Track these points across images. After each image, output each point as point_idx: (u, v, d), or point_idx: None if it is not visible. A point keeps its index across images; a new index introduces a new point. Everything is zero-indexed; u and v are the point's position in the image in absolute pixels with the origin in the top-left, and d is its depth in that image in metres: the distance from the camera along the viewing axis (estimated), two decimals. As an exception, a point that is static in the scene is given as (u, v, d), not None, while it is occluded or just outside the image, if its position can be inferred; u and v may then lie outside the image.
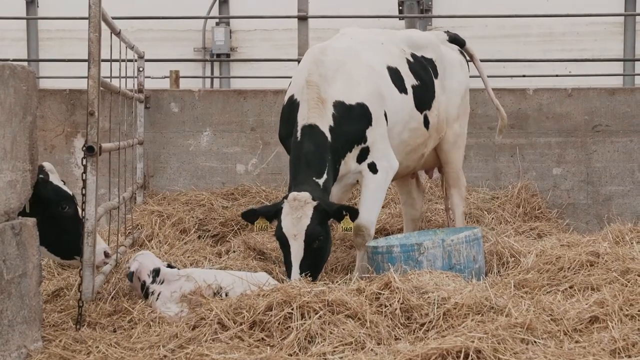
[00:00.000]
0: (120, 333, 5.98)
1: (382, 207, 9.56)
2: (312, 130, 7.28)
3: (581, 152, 10.44)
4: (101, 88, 6.26)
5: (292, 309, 5.82)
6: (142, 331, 5.94)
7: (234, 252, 8.31)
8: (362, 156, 7.54)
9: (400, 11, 14.95)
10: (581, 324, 5.94)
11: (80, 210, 6.28)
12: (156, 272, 6.62)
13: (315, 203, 6.98)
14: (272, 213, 7.13)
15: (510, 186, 10.34)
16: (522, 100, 10.43)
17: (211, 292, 6.45)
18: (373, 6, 15.65)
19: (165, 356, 5.50)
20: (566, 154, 10.46)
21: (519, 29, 16.33)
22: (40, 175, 6.27)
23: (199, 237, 8.96)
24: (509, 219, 9.72)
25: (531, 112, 10.44)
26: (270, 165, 10.59)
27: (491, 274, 7.34)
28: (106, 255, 6.56)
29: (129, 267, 6.80)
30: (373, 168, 7.56)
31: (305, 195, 6.98)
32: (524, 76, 13.44)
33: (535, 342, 5.64)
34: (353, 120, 7.45)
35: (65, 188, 6.42)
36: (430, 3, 16.00)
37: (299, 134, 7.32)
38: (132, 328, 6.06)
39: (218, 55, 17.94)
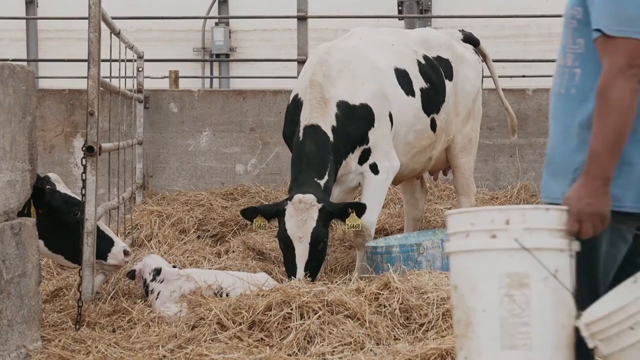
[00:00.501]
0: (119, 333, 5.98)
1: (382, 207, 9.57)
2: (314, 130, 7.28)
3: (580, 153, 10.43)
4: (101, 88, 6.26)
5: (292, 309, 5.82)
6: (142, 331, 5.94)
7: (233, 252, 8.31)
8: (364, 157, 7.53)
9: (400, 11, 14.95)
10: (580, 324, 5.93)
11: None
12: (157, 271, 6.62)
13: (320, 205, 6.98)
14: (273, 213, 7.12)
15: (510, 186, 10.34)
16: (521, 100, 10.43)
17: (211, 293, 6.45)
18: (372, 6, 15.65)
19: (164, 356, 5.50)
20: (565, 154, 10.46)
21: (519, 29, 16.33)
22: (48, 186, 6.30)
23: (198, 237, 8.96)
24: (508, 219, 9.72)
25: (531, 113, 10.45)
26: (269, 166, 10.59)
27: (490, 274, 7.33)
28: (126, 253, 6.57)
29: (132, 266, 6.82)
30: (374, 169, 7.55)
31: (311, 198, 6.97)
32: (523, 76, 13.44)
33: (534, 342, 5.63)
34: (355, 121, 7.43)
35: (73, 194, 6.45)
36: (429, 3, 16.00)
37: (301, 134, 7.32)
38: (132, 328, 6.06)
39: (217, 55, 17.94)
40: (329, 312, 5.86)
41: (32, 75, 5.58)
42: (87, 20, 6.12)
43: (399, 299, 6.04)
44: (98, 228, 6.51)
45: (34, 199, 6.10)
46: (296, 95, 7.58)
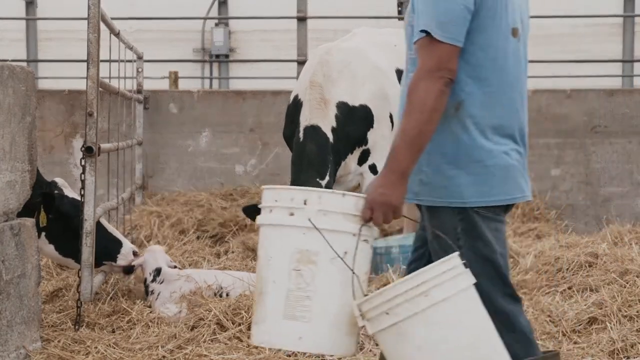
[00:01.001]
0: (119, 333, 5.99)
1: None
2: (314, 131, 7.28)
3: (580, 153, 10.45)
4: (100, 89, 6.26)
5: (291, 310, 5.82)
6: (141, 332, 5.94)
7: (233, 252, 8.31)
8: (363, 158, 7.54)
9: (400, 12, 14.94)
10: (580, 325, 5.94)
11: None
12: (157, 272, 6.62)
13: None
14: None
15: (509, 187, 10.33)
16: (521, 101, 10.43)
17: (211, 293, 6.45)
18: (372, 7, 15.65)
19: (163, 357, 5.50)
20: (565, 155, 10.47)
21: (518, 30, 16.34)
22: (56, 191, 6.31)
23: (198, 237, 8.96)
24: (507, 219, 9.72)
25: (530, 113, 10.39)
26: (269, 166, 10.59)
27: (490, 274, 7.34)
28: (135, 254, 6.57)
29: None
30: (374, 169, 7.56)
31: None
32: (522, 77, 13.44)
33: (533, 343, 5.64)
34: (355, 122, 7.44)
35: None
36: (429, 4, 16.02)
37: (301, 135, 7.32)
38: (131, 328, 6.06)
39: (217, 56, 17.94)
40: (328, 312, 5.85)
41: (32, 76, 5.58)
42: (86, 21, 6.12)
43: (398, 299, 6.04)
44: (106, 229, 6.53)
45: (44, 205, 6.12)
46: (296, 96, 7.58)
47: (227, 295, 6.43)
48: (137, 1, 17.09)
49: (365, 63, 7.69)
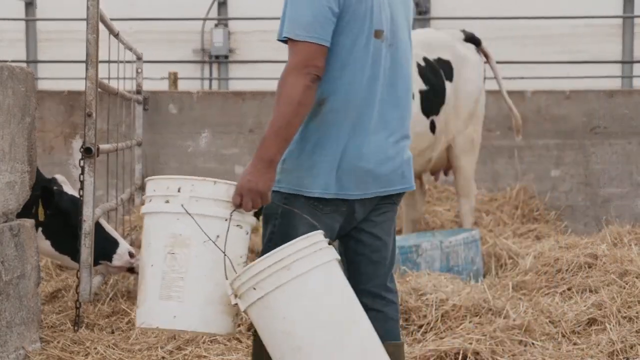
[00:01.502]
0: (118, 334, 5.99)
1: (381, 208, 9.56)
2: None
3: (579, 154, 10.44)
4: (99, 89, 6.26)
5: (290, 311, 5.82)
6: (140, 333, 5.93)
7: (232, 253, 8.30)
8: None
9: (399, 13, 14.95)
10: (579, 326, 5.94)
11: None
12: None
13: None
14: None
15: (509, 188, 10.33)
16: (520, 102, 10.42)
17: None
18: (372, 8, 15.63)
19: (163, 358, 5.51)
20: (564, 156, 10.47)
21: (518, 30, 16.33)
22: (55, 187, 6.31)
23: (197, 238, 8.94)
24: (507, 220, 9.73)
25: (529, 114, 10.44)
26: (268, 167, 10.58)
27: (489, 275, 7.35)
28: (131, 255, 6.56)
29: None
30: None
31: None
32: (522, 78, 13.45)
33: (533, 344, 5.65)
34: None
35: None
36: (428, 5, 16.00)
37: None
38: (130, 329, 6.06)
39: (217, 56, 17.94)
40: (327, 313, 5.85)
41: (32, 77, 5.58)
42: (85, 22, 6.12)
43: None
44: (103, 229, 6.52)
45: (43, 200, 6.12)
46: None
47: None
48: (137, 2, 17.09)
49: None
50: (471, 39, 8.71)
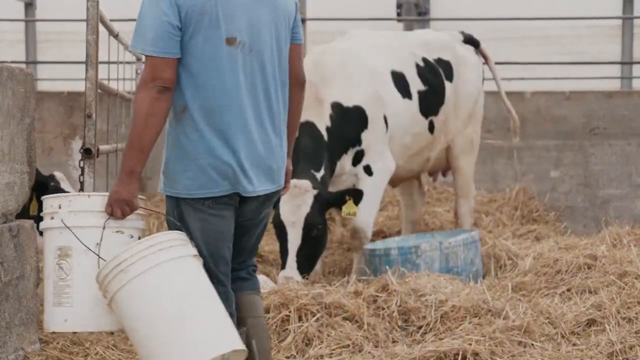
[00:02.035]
0: (117, 335, 5.98)
1: (380, 209, 9.56)
2: (309, 127, 7.32)
3: (579, 155, 10.44)
4: (99, 90, 6.25)
5: (290, 312, 5.83)
6: (140, 333, 5.93)
7: (232, 254, 8.30)
8: (357, 159, 7.55)
9: (399, 14, 14.96)
10: (579, 327, 5.95)
11: None
12: None
13: (315, 192, 7.01)
14: None
15: (508, 189, 10.34)
16: (520, 103, 10.43)
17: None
18: (371, 9, 15.64)
19: (162, 358, 5.50)
20: (564, 157, 10.47)
21: (517, 31, 16.32)
22: (52, 183, 6.31)
23: (197, 239, 8.95)
24: (506, 221, 9.73)
25: (529, 115, 10.45)
26: (268, 168, 10.58)
27: (489, 276, 7.35)
28: None
29: None
30: (368, 170, 7.57)
31: (306, 183, 7.00)
32: (521, 79, 13.45)
33: (532, 345, 5.65)
34: (349, 123, 7.46)
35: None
36: (427, 6, 15.99)
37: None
38: (130, 330, 6.05)
39: (216, 57, 17.93)
40: (327, 314, 5.86)
41: (31, 78, 5.58)
42: (85, 23, 6.12)
43: (397, 301, 6.05)
44: None
45: (37, 195, 6.11)
46: None
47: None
48: (136, 3, 17.05)
49: (360, 64, 7.71)
50: (470, 40, 8.72)
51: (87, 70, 6.04)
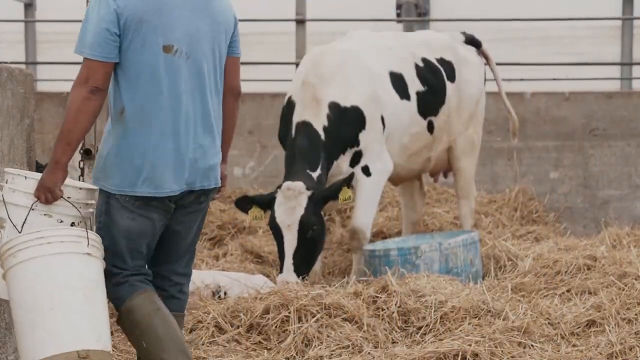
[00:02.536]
0: (117, 336, 5.98)
1: (380, 210, 9.56)
2: (306, 127, 7.35)
3: (579, 156, 10.44)
4: (99, 91, 6.24)
5: (289, 312, 5.83)
6: (139, 334, 5.92)
7: (231, 255, 8.31)
8: (355, 159, 7.56)
9: (398, 15, 14.95)
10: (578, 328, 5.95)
11: None
12: None
13: (309, 193, 7.02)
14: (267, 202, 7.17)
15: (508, 190, 10.33)
16: (519, 103, 10.43)
17: (209, 292, 6.46)
18: (371, 9, 15.63)
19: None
20: (564, 158, 10.47)
21: (517, 32, 16.31)
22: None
23: (197, 240, 8.95)
24: (506, 222, 9.73)
25: (529, 116, 10.45)
26: (267, 169, 10.59)
27: (488, 277, 7.35)
28: None
29: None
30: (366, 171, 7.58)
31: (299, 185, 7.03)
32: (521, 80, 13.44)
33: (532, 345, 5.65)
34: (346, 123, 7.48)
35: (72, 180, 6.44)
36: (427, 7, 15.98)
37: (293, 131, 7.41)
38: (129, 331, 6.04)
39: (216, 58, 17.92)
40: (326, 315, 5.86)
41: (31, 78, 5.58)
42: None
43: (396, 302, 6.05)
44: None
45: None
46: (290, 97, 7.65)
47: (224, 293, 6.44)
48: (136, 3, 17.05)
49: (358, 65, 7.72)
50: (472, 41, 8.70)
51: (86, 71, 6.02)
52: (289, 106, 7.59)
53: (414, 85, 7.98)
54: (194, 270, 7.00)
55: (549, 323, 5.99)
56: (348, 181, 7.20)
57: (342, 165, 7.52)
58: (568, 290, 6.73)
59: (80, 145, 6.11)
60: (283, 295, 5.95)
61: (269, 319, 5.83)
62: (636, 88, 16.03)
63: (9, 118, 5.27)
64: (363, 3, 16.00)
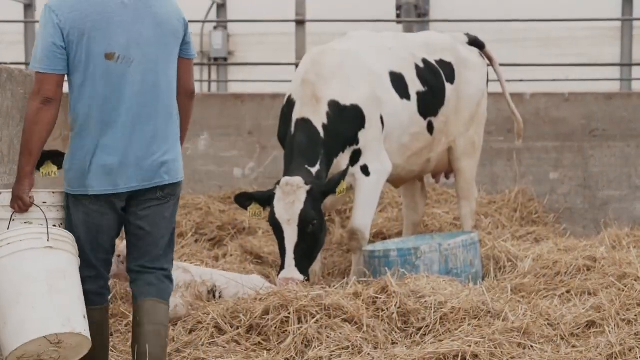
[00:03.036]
0: (117, 337, 5.98)
1: (379, 211, 9.57)
2: (305, 124, 7.36)
3: (578, 157, 10.45)
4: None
5: (289, 313, 5.83)
6: (139, 335, 5.92)
7: (231, 255, 8.31)
8: (355, 158, 7.57)
9: (398, 15, 14.96)
10: (578, 329, 5.95)
11: None
12: None
13: (308, 187, 7.03)
14: (266, 198, 7.17)
15: (507, 190, 10.34)
16: (519, 104, 10.43)
17: (205, 289, 6.46)
18: (371, 10, 15.64)
19: (162, 360, 5.50)
20: (563, 159, 10.47)
21: (517, 33, 16.32)
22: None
23: (196, 240, 8.97)
24: (506, 223, 9.73)
25: (528, 117, 10.45)
26: (267, 169, 10.59)
27: (488, 278, 7.35)
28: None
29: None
30: (365, 171, 7.59)
31: (298, 180, 7.04)
32: (521, 80, 13.45)
33: (532, 346, 5.65)
34: (346, 121, 7.49)
35: None
36: (427, 7, 16.00)
37: (292, 128, 7.42)
38: (129, 332, 6.05)
39: (215, 59, 17.92)
40: (326, 316, 5.86)
41: (31, 79, 5.58)
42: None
43: (396, 303, 6.04)
44: None
45: (53, 159, 6.11)
46: (290, 96, 7.67)
47: (219, 293, 6.44)
48: (136, 4, 17.04)
49: (358, 65, 7.72)
50: (475, 42, 8.69)
51: (86, 71, 6.02)
52: (289, 105, 7.60)
53: (415, 86, 7.98)
54: (193, 265, 7.04)
55: (548, 324, 5.99)
56: (344, 174, 7.24)
57: (342, 163, 7.52)
58: (568, 291, 6.73)
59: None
60: (283, 296, 5.95)
61: (268, 319, 5.83)
62: (636, 89, 16.03)
63: (9, 119, 5.27)
64: (363, 4, 16.02)
